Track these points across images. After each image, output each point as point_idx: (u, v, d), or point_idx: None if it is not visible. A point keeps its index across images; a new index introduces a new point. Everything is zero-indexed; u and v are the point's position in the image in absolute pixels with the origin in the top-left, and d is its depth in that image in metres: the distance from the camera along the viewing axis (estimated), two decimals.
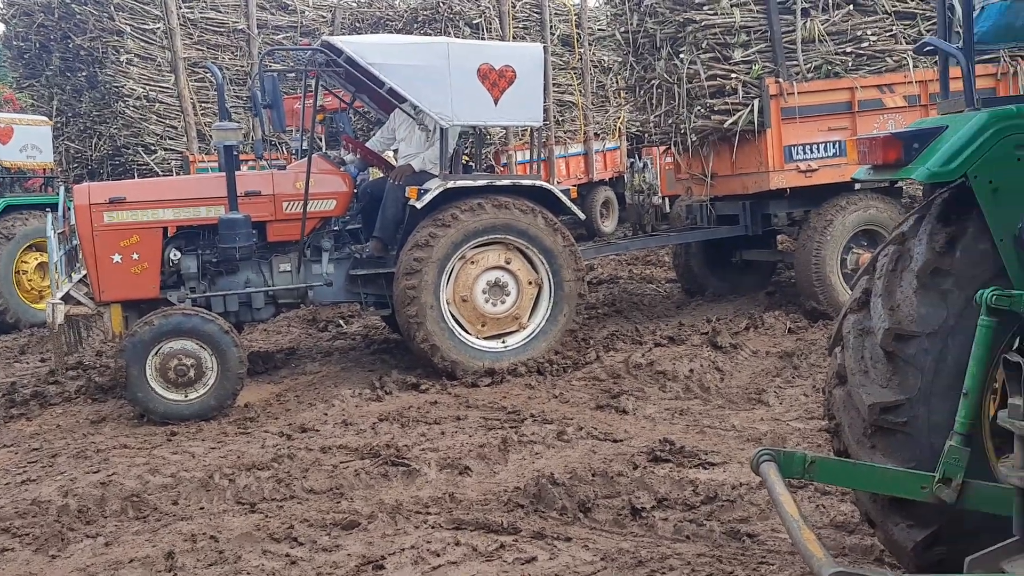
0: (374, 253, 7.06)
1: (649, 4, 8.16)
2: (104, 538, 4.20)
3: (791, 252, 8.47)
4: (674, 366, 6.57)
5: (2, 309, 10.60)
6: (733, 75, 7.76)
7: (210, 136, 11.12)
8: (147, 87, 12.37)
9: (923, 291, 2.87)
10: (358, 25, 13.76)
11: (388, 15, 13.45)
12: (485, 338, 6.95)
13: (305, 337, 8.99)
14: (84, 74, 12.59)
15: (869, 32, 7.86)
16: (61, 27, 12.46)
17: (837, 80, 7.84)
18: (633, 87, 9.16)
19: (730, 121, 7.78)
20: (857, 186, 7.65)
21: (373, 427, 5.72)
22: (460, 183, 6.87)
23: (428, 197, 6.72)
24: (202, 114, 12.63)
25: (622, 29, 8.81)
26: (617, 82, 13.65)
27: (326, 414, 6.12)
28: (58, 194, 8.65)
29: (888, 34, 7.91)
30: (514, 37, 12.70)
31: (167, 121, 12.54)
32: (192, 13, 12.82)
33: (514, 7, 13.02)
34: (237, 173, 6.81)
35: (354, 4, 14.49)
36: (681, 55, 7.94)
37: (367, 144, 7.90)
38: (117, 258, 6.55)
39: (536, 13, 13.42)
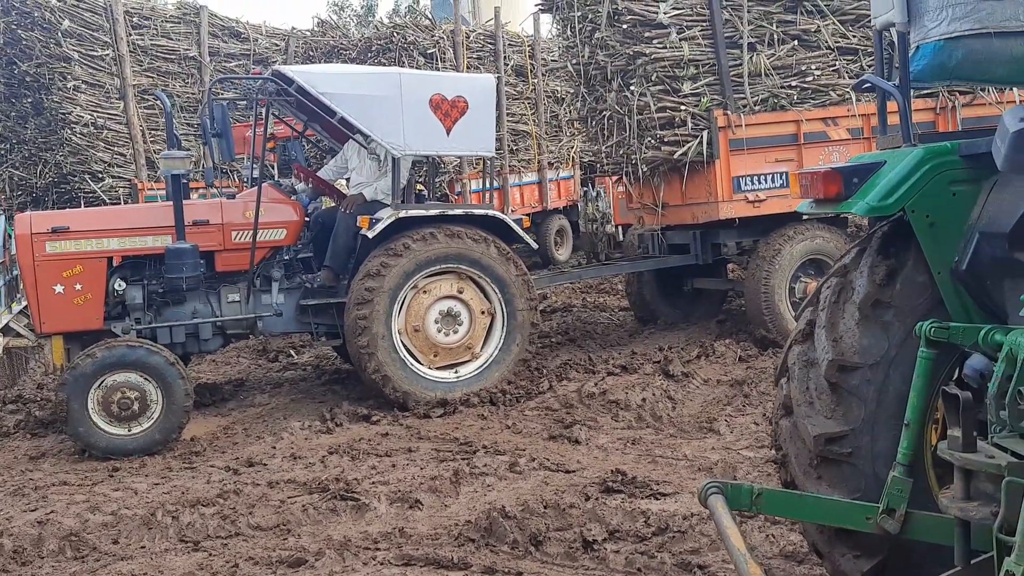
0: (325, 283, 6.99)
1: (600, 37, 8.27)
2: None
3: (741, 281, 8.59)
4: (627, 395, 6.58)
5: None
6: (682, 107, 7.89)
7: (159, 164, 10.96)
8: (95, 114, 12.16)
9: (865, 323, 2.92)
10: (311, 54, 13.72)
11: (342, 44, 13.43)
12: (437, 368, 6.90)
13: (255, 368, 8.84)
14: (30, 100, 12.35)
15: (813, 67, 8.05)
16: (6, 52, 12.22)
17: (783, 113, 8.01)
18: (585, 118, 9.25)
19: (680, 152, 7.89)
20: (804, 216, 7.80)
21: (322, 460, 5.62)
22: (412, 212, 6.86)
23: (380, 226, 6.69)
24: (152, 141, 12.45)
25: (574, 61, 8.92)
26: (570, 113, 13.80)
27: (274, 447, 6.01)
28: None
29: (832, 69, 8.12)
30: (468, 67, 12.77)
31: (115, 148, 12.33)
32: (143, 40, 12.67)
33: (468, 37, 13.10)
34: (186, 202, 6.71)
35: (307, 33, 14.45)
36: (631, 87, 8.05)
37: (319, 173, 7.85)
38: (59, 289, 6.40)
39: (490, 44, 13.53)
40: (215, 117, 6.40)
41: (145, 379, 6.06)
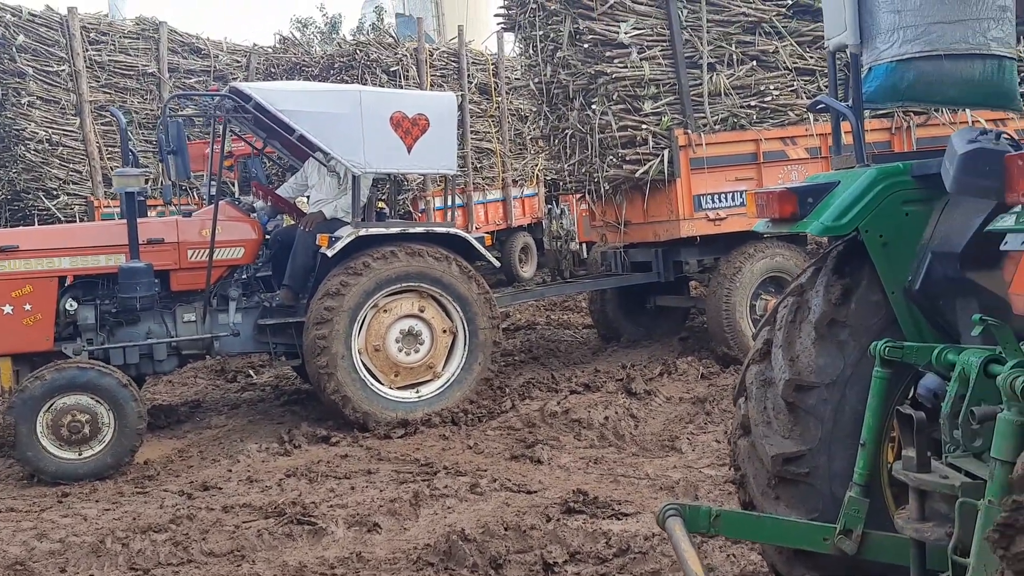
0: (284, 302, 6.88)
1: (562, 56, 8.30)
2: None
3: (703, 298, 8.63)
4: (589, 414, 6.55)
5: None
6: (643, 126, 7.93)
7: (113, 181, 10.78)
8: (50, 130, 11.94)
9: (821, 342, 2.93)
10: (273, 71, 13.62)
11: (304, 61, 13.34)
12: (398, 388, 6.82)
13: (212, 389, 8.67)
14: None
15: (772, 87, 8.15)
16: None
17: (743, 132, 8.09)
18: (548, 136, 9.27)
19: (641, 171, 7.93)
20: (764, 234, 7.85)
21: (279, 483, 5.51)
22: (372, 230, 6.79)
23: (339, 245, 6.61)
24: (109, 158, 12.24)
25: (536, 80, 8.93)
26: (533, 131, 13.85)
27: (230, 470, 5.88)
28: None
29: (790, 89, 8.22)
30: (432, 85, 12.76)
31: (71, 165, 12.10)
32: (100, 56, 12.47)
33: (432, 55, 13.10)
34: (141, 220, 6.58)
35: (269, 49, 14.34)
36: (593, 106, 8.08)
37: (279, 190, 7.75)
38: (8, 309, 6.23)
39: (454, 62, 13.54)
40: (170, 134, 6.29)
41: (96, 401, 5.91)
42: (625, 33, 7.86)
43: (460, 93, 13.08)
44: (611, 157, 8.05)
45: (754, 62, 8.12)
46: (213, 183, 6.90)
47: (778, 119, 8.18)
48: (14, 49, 11.74)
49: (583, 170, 8.51)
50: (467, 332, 6.96)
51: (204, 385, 8.82)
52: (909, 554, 2.48)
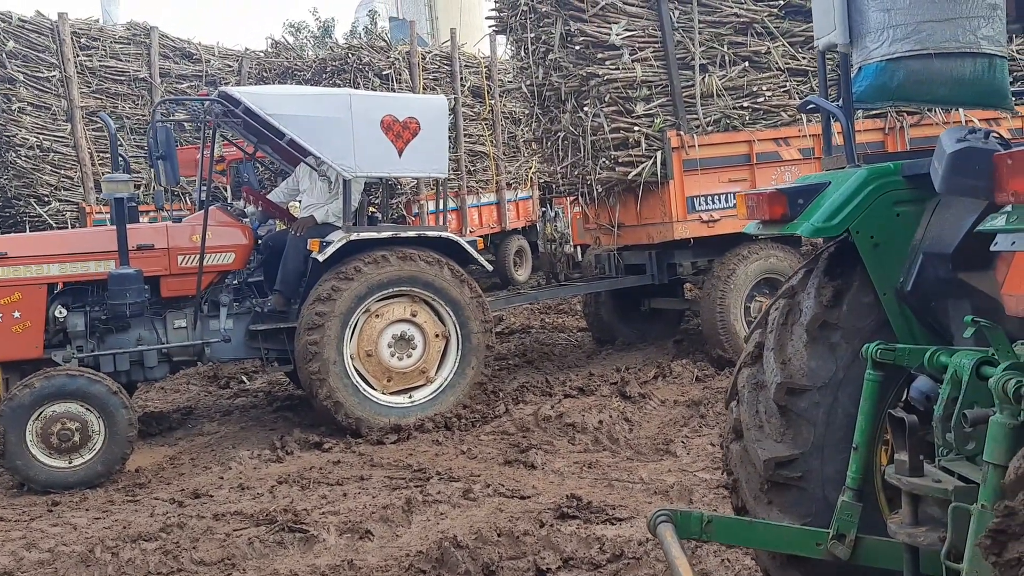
0: (276, 307, 6.84)
1: (553, 58, 8.28)
2: None
3: (697, 300, 8.60)
4: (583, 418, 6.51)
5: None
6: (636, 128, 7.90)
7: (102, 187, 10.74)
8: (40, 136, 11.88)
9: (812, 344, 2.89)
10: (265, 75, 13.58)
11: (296, 65, 13.30)
12: (391, 393, 6.78)
13: (204, 395, 8.62)
14: None
15: (764, 88, 8.13)
16: None
17: (735, 133, 8.07)
18: (540, 139, 9.24)
19: (634, 173, 7.90)
20: (757, 236, 7.83)
21: (271, 490, 5.47)
22: (364, 235, 6.76)
23: (331, 249, 6.57)
24: (100, 164, 12.18)
25: (528, 82, 8.91)
26: (526, 133, 13.83)
27: (222, 478, 5.84)
28: None
29: (782, 89, 8.20)
30: (425, 88, 12.72)
31: (62, 171, 12.05)
32: (91, 61, 12.43)
33: (424, 59, 13.07)
34: (131, 226, 6.54)
35: (261, 54, 14.30)
36: (585, 108, 8.05)
37: (270, 195, 7.71)
38: None
39: (446, 65, 13.50)
40: (159, 140, 6.25)
41: (86, 409, 5.86)
42: (616, 35, 7.84)
43: (453, 96, 13.06)
44: (604, 159, 8.03)
45: (746, 63, 8.11)
46: (204, 188, 6.86)
47: (771, 120, 8.17)
48: (4, 55, 11.70)
49: (576, 172, 8.48)
50: (460, 336, 6.92)
51: (196, 391, 8.78)
52: (902, 559, 2.45)
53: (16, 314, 6.23)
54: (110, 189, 6.23)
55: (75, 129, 12.00)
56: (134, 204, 6.91)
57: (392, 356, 6.77)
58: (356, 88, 11.30)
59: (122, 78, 12.75)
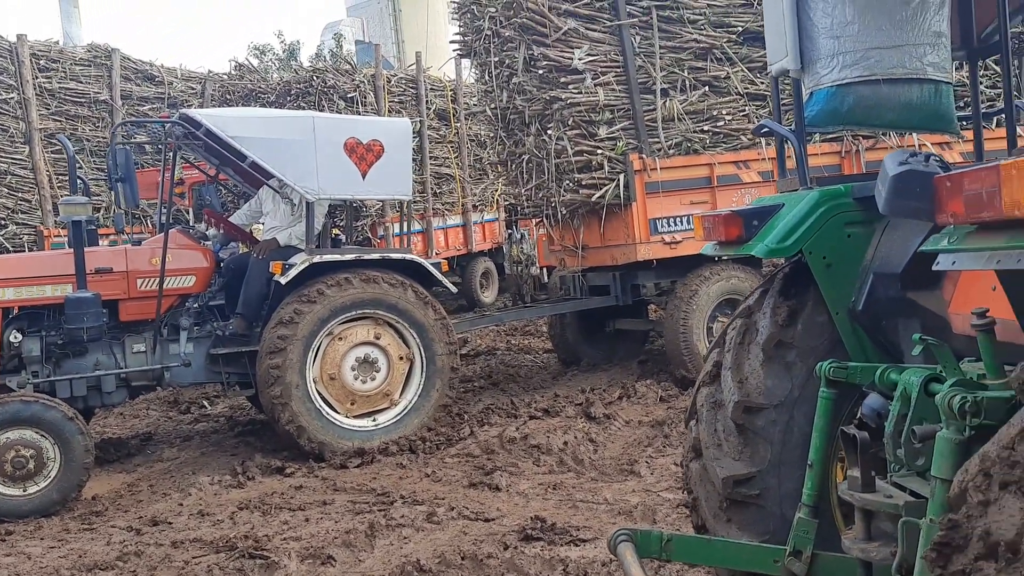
0: (237, 331, 6.77)
1: (517, 82, 8.35)
2: None
3: (661, 321, 8.66)
4: (548, 439, 6.51)
5: None
6: (599, 151, 7.99)
7: (59, 210, 10.58)
8: None
9: (768, 364, 2.94)
10: (228, 97, 13.51)
11: (260, 88, 13.27)
12: (355, 417, 6.73)
13: (164, 420, 8.49)
14: None
15: (724, 112, 8.27)
16: None
17: (696, 156, 8.18)
18: (505, 161, 9.30)
19: (597, 195, 7.97)
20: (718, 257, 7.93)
21: (232, 517, 5.38)
22: (326, 257, 6.73)
23: (293, 272, 6.54)
24: (59, 187, 12.01)
25: (492, 106, 8.97)
26: (491, 156, 13.91)
27: (181, 504, 5.74)
28: None
29: (741, 113, 8.34)
30: (390, 111, 12.75)
31: (19, 194, 11.86)
32: (50, 83, 12.29)
33: (389, 82, 13.10)
34: (89, 249, 6.45)
35: (225, 76, 14.24)
36: (549, 131, 8.12)
37: (232, 218, 7.66)
38: None
39: (412, 88, 13.55)
40: (118, 162, 6.19)
41: (41, 435, 5.74)
42: (579, 59, 7.93)
43: (419, 119, 13.10)
44: (567, 182, 8.09)
45: (706, 87, 8.24)
46: (164, 211, 6.79)
47: (731, 143, 8.29)
48: None
49: (540, 195, 8.54)
50: (424, 358, 6.90)
51: (156, 417, 8.64)
52: (857, 574, 2.48)
53: None
54: (68, 212, 6.15)
55: (33, 151, 11.83)
56: (93, 227, 6.83)
57: (356, 379, 6.73)
58: (321, 111, 11.29)
59: (82, 100, 12.61)
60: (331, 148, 6.72)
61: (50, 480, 5.76)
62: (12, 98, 11.84)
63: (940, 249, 1.92)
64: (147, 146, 11.50)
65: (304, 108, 11.62)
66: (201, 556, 4.73)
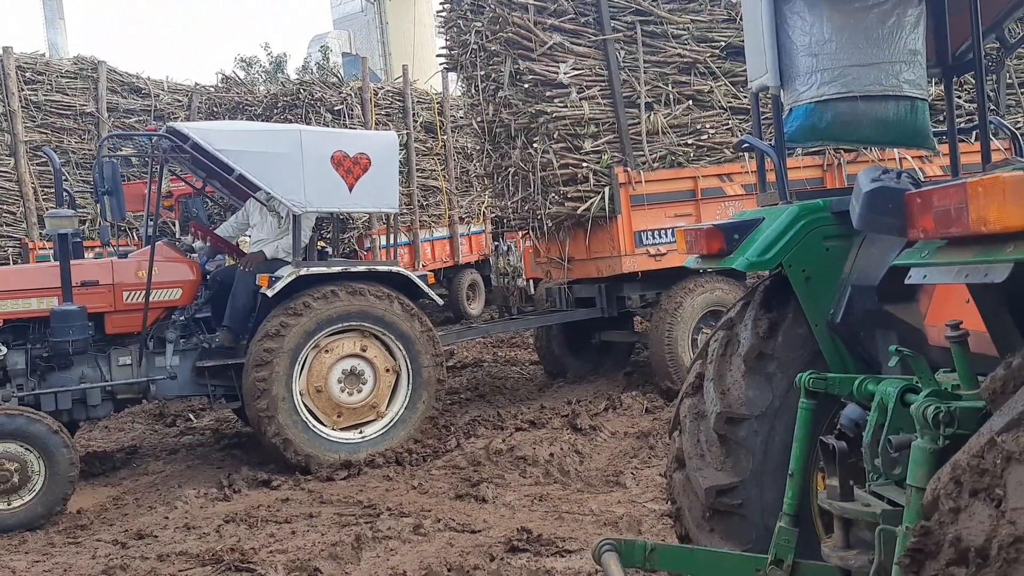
0: (223, 343, 6.78)
1: (503, 96, 8.41)
2: None
3: (646, 333, 8.72)
4: (534, 451, 6.54)
5: None
6: (584, 164, 8.05)
7: (45, 223, 10.55)
8: None
9: (750, 375, 2.98)
10: (215, 110, 13.53)
11: (247, 100, 13.29)
12: (341, 429, 6.74)
13: (150, 434, 8.46)
14: None
15: (708, 125, 8.36)
16: None
17: (681, 170, 8.26)
18: (491, 174, 9.35)
19: (583, 208, 8.04)
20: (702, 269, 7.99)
21: (218, 530, 5.38)
22: (313, 270, 6.75)
23: (279, 285, 6.55)
24: (45, 199, 11.98)
25: (478, 119, 9.03)
26: (478, 168, 13.96)
27: (167, 517, 5.73)
28: None
29: (725, 127, 8.44)
30: (377, 124, 12.79)
31: (4, 207, 11.81)
32: (36, 96, 12.27)
33: (376, 95, 13.15)
34: (75, 262, 6.45)
35: (211, 89, 14.26)
36: (535, 144, 8.19)
37: (218, 230, 7.67)
38: None
39: (399, 101, 13.61)
40: (105, 175, 6.19)
41: (26, 449, 5.72)
42: (564, 73, 8.01)
43: (405, 132, 13.15)
44: (553, 194, 8.15)
45: (690, 101, 8.33)
46: (151, 224, 6.80)
47: (714, 157, 8.38)
48: None
49: (526, 207, 8.59)
50: (410, 371, 6.92)
51: (142, 430, 8.61)
52: None
53: None
54: (54, 225, 6.15)
55: (19, 164, 11.80)
56: (79, 240, 6.82)
57: (342, 391, 6.74)
58: (308, 124, 11.32)
59: (68, 112, 12.60)
60: (318, 161, 6.75)
61: (35, 494, 5.74)
62: None
63: (912, 263, 1.97)
64: (133, 158, 11.48)
65: (291, 121, 11.66)
66: (187, 569, 4.73)
